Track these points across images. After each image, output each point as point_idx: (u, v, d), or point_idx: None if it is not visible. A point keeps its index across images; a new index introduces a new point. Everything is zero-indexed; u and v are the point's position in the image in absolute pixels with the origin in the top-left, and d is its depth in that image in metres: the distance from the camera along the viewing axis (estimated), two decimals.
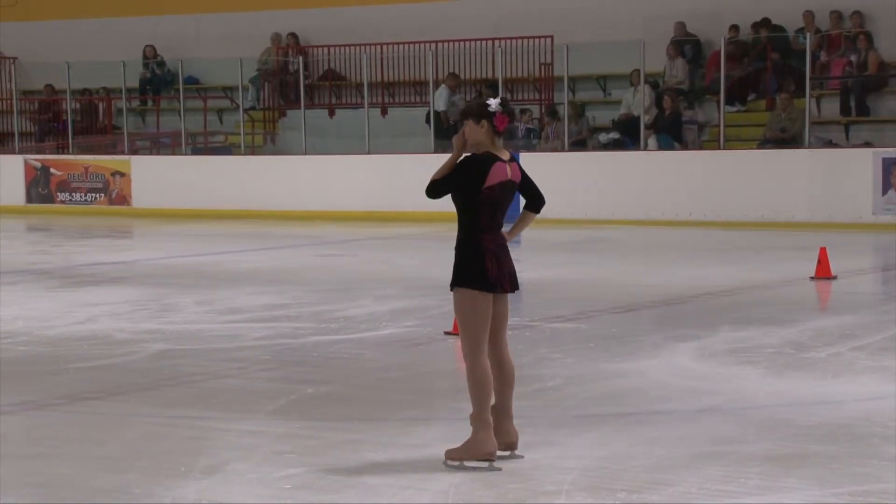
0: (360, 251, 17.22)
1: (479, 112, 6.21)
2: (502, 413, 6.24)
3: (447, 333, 9.77)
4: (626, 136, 20.86)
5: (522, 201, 6.45)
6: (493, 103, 6.21)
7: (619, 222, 19.26)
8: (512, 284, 6.27)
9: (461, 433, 6.54)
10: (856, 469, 6.01)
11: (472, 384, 6.16)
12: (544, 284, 12.67)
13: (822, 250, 12.84)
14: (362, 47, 23.48)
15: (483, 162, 6.17)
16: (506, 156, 6.25)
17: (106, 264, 15.55)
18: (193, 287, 13.04)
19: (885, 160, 18.21)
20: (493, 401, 6.23)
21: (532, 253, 15.44)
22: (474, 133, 6.21)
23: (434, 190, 6.27)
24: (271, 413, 7.42)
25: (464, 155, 6.27)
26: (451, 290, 6.25)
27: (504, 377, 6.28)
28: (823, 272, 12.70)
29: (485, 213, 6.18)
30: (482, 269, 6.15)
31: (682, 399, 7.62)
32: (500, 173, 6.18)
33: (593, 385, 8.03)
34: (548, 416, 7.18)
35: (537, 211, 6.45)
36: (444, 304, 10.90)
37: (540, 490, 5.77)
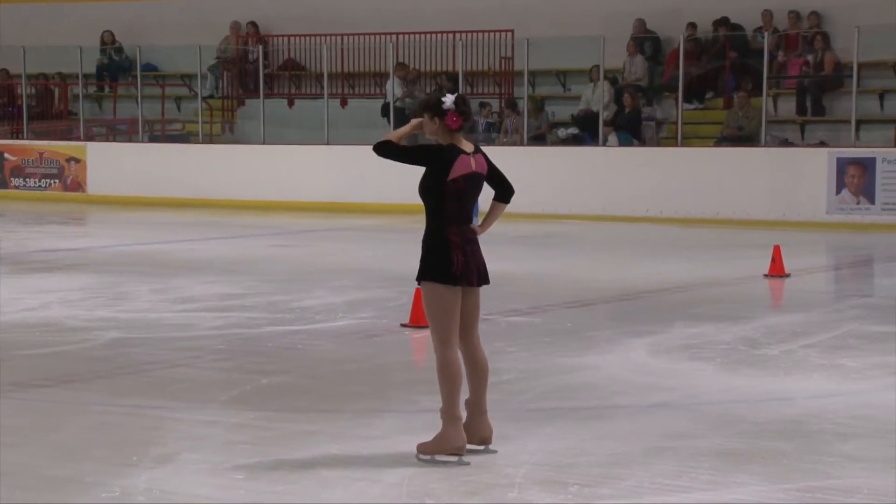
0: (318, 242, 17.18)
1: (433, 107, 6.19)
2: (475, 407, 6.23)
3: (403, 326, 9.76)
4: (585, 131, 20.93)
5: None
6: (448, 101, 6.17)
7: (577, 217, 19.31)
8: (480, 278, 6.25)
9: (416, 425, 6.56)
10: (806, 465, 6.07)
11: (441, 378, 6.14)
12: (501, 278, 12.63)
13: (777, 248, 12.93)
14: (323, 37, 23.40)
15: (447, 155, 6.15)
16: (469, 148, 6.24)
17: (60, 251, 15.44)
18: (148, 275, 12.96)
19: (839, 160, 18.36)
20: (466, 395, 6.22)
21: (489, 247, 15.42)
22: (429, 127, 6.22)
23: (384, 149, 6.17)
24: (225, 403, 7.39)
25: (426, 142, 6.27)
26: (418, 283, 6.23)
27: (477, 372, 6.27)
28: (777, 270, 12.79)
29: (450, 206, 6.16)
30: (447, 262, 6.13)
31: (635, 394, 7.66)
32: (464, 166, 6.17)
33: (548, 379, 8.06)
34: (502, 410, 7.19)
35: (507, 201, 6.44)
36: (400, 297, 10.90)
37: (493, 483, 5.78)
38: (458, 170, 6.14)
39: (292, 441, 6.51)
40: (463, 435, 6.11)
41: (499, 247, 15.92)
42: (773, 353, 8.95)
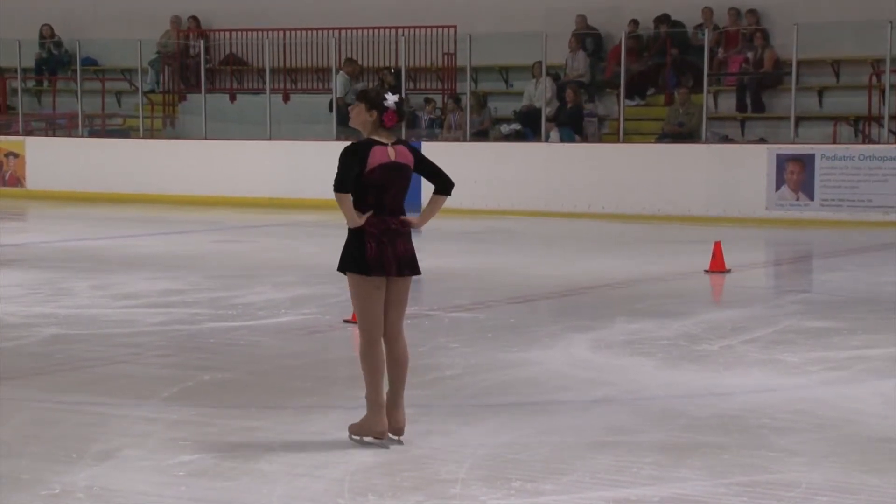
0: (260, 238, 17.11)
1: (374, 101, 6.30)
2: (390, 400, 6.35)
3: (346, 321, 9.74)
4: (528, 127, 20.99)
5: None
6: (391, 99, 6.30)
7: (519, 213, 19.37)
8: (400, 268, 6.30)
9: (354, 418, 6.55)
10: (746, 460, 6.12)
11: (362, 365, 6.32)
12: (443, 273, 12.69)
13: (717, 244, 13.04)
14: (264, 32, 23.30)
15: (361, 150, 6.25)
16: (389, 139, 6.33)
17: None
18: (88, 271, 12.85)
19: (779, 156, 18.54)
20: (386, 385, 6.34)
21: (431, 242, 15.46)
22: (361, 116, 6.33)
23: (340, 187, 6.26)
24: (166, 399, 7.34)
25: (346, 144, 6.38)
26: (344, 274, 6.37)
27: (395, 365, 6.37)
28: (718, 266, 12.90)
29: (368, 196, 6.26)
30: (362, 252, 6.25)
31: (577, 389, 7.70)
32: (380, 156, 6.27)
33: (490, 374, 8.08)
34: (445, 405, 7.21)
35: (447, 193, 6.49)
36: (343, 293, 10.81)
37: (435, 478, 5.79)
38: (374, 160, 6.25)
39: (234, 437, 6.48)
40: (384, 420, 6.29)
41: (441, 242, 15.99)
42: (713, 348, 9.02)
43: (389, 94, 6.34)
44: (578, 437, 6.51)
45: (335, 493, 5.61)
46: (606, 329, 9.68)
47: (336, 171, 6.24)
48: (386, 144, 6.30)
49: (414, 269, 6.37)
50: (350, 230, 6.30)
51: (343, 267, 6.32)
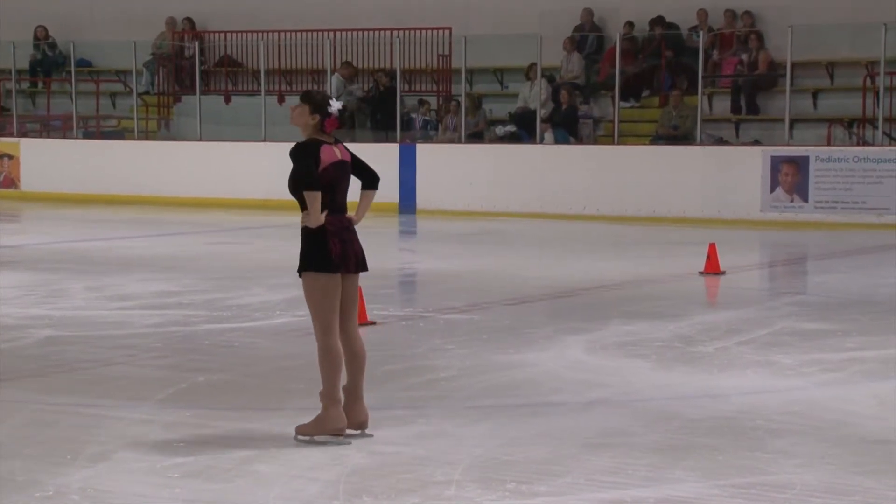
0: (255, 239, 17.10)
1: (318, 105, 6.42)
2: (353, 394, 6.44)
3: None
4: (523, 129, 20.99)
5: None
6: (335, 106, 6.44)
7: (514, 215, 19.37)
8: (358, 265, 6.45)
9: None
10: (740, 462, 6.12)
11: (322, 363, 6.38)
12: (438, 275, 12.69)
13: (712, 246, 13.05)
14: (259, 34, 23.29)
15: (313, 147, 6.36)
16: (331, 139, 6.47)
17: None
18: (83, 273, 12.84)
19: (773, 158, 18.56)
20: (344, 382, 6.42)
21: (427, 244, 15.47)
22: (304, 118, 6.44)
23: (314, 184, 6.34)
24: (161, 401, 7.34)
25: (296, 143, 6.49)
26: (300, 276, 6.41)
27: (354, 359, 6.47)
28: (712, 267, 12.91)
29: (324, 195, 6.35)
30: (326, 250, 6.32)
31: (572, 391, 7.70)
32: (330, 155, 6.40)
33: (485, 376, 8.08)
34: (440, 407, 7.21)
35: (376, 188, 6.62)
36: None
37: (430, 480, 5.79)
38: (325, 159, 6.37)
39: (229, 439, 6.48)
40: (343, 416, 6.35)
41: (436, 244, 15.98)
42: (707, 350, 9.03)
43: (333, 100, 6.48)
44: (573, 439, 6.51)
45: (330, 494, 5.61)
46: (601, 331, 9.68)
47: (296, 170, 6.32)
48: (330, 143, 6.44)
49: (365, 266, 6.52)
50: (308, 230, 6.36)
51: (307, 267, 6.37)
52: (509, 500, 5.55)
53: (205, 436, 6.53)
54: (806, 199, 18.31)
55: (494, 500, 5.53)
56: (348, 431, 6.38)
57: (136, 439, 6.45)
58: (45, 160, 22.98)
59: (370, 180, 6.58)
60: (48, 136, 24.72)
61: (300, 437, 6.35)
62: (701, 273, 12.92)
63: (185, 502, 5.53)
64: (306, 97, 6.47)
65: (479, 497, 5.55)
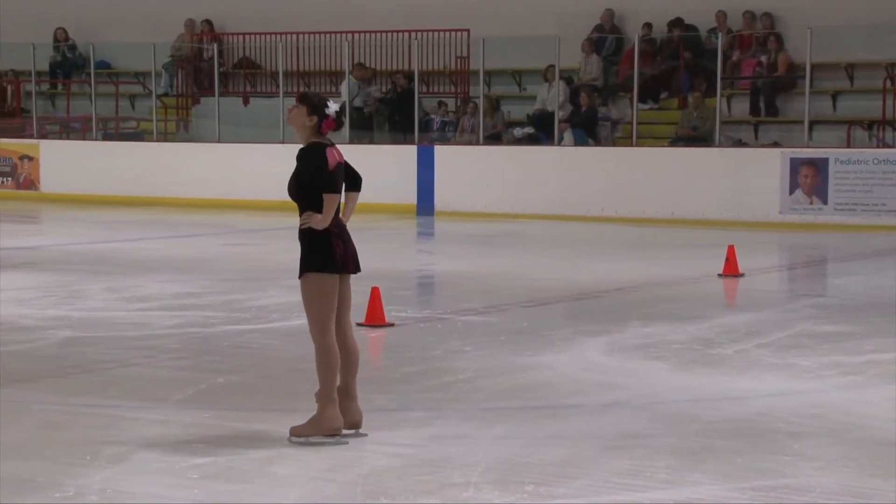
0: (273, 241, 17.11)
1: (316, 106, 6.46)
2: (347, 394, 6.47)
3: (359, 325, 9.74)
4: (541, 131, 20.98)
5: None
6: (332, 108, 6.47)
7: (532, 216, 19.36)
8: (355, 266, 6.52)
9: (371, 423, 6.56)
10: (759, 464, 6.11)
11: (320, 364, 6.41)
12: (456, 277, 12.69)
13: (731, 248, 13.01)
14: (278, 36, 23.33)
15: (320, 149, 6.40)
16: (328, 141, 6.52)
17: (12, 249, 15.30)
18: (102, 274, 12.88)
19: (792, 160, 18.50)
20: (338, 382, 6.43)
21: (444, 245, 15.48)
22: (301, 119, 6.47)
23: (334, 187, 6.40)
24: (180, 402, 7.36)
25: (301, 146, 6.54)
26: (300, 277, 6.46)
27: (348, 359, 6.50)
28: (731, 269, 12.88)
29: None
30: (330, 252, 6.38)
31: (590, 393, 7.69)
32: (332, 157, 6.45)
33: (503, 378, 8.07)
34: (457, 409, 7.21)
35: (359, 189, 6.68)
36: (355, 296, 10.86)
37: (448, 482, 5.79)
38: (331, 161, 6.41)
39: (247, 440, 6.49)
40: (339, 416, 6.38)
41: (454, 245, 15.98)
42: (727, 352, 9.00)
43: (331, 101, 6.51)
44: (591, 441, 6.50)
45: (348, 495, 5.62)
46: (620, 333, 9.67)
47: (307, 173, 6.33)
48: (330, 146, 6.47)
49: (360, 267, 6.59)
50: (311, 232, 6.40)
51: (310, 268, 6.40)
52: (527, 501, 5.54)
53: (223, 437, 6.54)
54: (825, 202, 18.25)
55: (512, 502, 5.53)
56: (343, 431, 6.40)
57: (155, 440, 6.47)
58: (64, 162, 23.06)
59: (356, 183, 6.62)
60: (67, 138, 24.80)
61: (294, 439, 6.36)
62: (720, 275, 12.89)
63: (203, 503, 5.54)
64: (304, 98, 6.51)
65: (496, 499, 5.55)
